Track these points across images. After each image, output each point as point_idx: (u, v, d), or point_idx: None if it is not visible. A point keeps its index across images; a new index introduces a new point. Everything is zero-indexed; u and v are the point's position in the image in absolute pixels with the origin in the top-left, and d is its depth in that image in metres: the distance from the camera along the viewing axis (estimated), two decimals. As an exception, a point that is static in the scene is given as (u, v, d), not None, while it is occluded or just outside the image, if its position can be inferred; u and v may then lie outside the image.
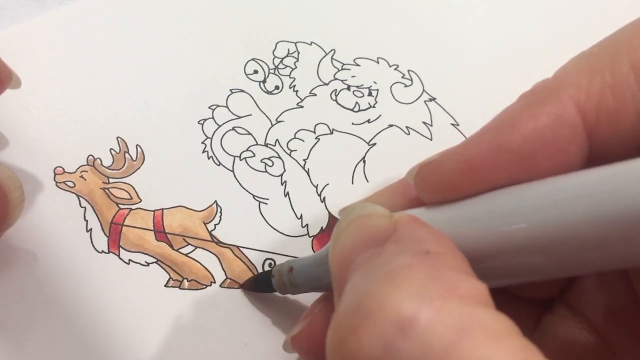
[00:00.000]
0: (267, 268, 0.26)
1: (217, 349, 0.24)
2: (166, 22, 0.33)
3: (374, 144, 0.29)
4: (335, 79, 0.31)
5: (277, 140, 0.29)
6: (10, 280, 0.25)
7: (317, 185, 0.28)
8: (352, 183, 0.28)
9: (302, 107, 0.30)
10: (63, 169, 0.28)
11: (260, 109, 0.30)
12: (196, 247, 0.26)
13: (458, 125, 0.30)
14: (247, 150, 0.29)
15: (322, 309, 0.21)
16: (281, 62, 0.32)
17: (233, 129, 0.29)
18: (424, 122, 0.30)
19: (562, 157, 0.16)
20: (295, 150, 0.29)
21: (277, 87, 0.31)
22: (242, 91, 0.31)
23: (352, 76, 0.31)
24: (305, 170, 0.29)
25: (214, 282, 0.26)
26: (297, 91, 0.31)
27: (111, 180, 0.28)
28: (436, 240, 0.16)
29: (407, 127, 0.30)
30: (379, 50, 0.32)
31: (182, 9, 0.33)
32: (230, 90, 0.31)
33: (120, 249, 0.26)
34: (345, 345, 0.14)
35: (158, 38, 0.32)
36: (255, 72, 0.31)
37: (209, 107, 0.30)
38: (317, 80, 0.31)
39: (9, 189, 0.23)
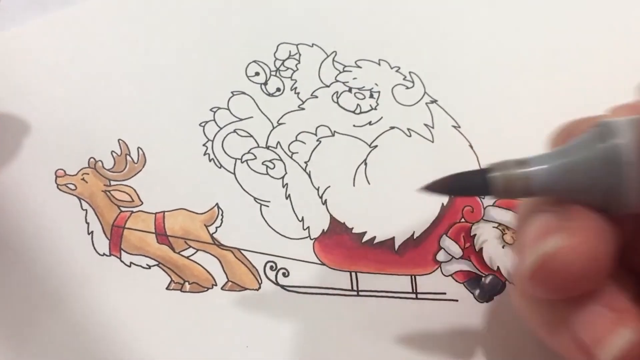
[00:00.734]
0: (268, 271, 0.26)
1: (218, 352, 0.24)
2: (167, 25, 0.33)
3: (376, 146, 0.29)
4: (337, 81, 0.31)
5: (278, 142, 0.29)
6: (11, 283, 0.25)
7: (319, 187, 0.28)
8: (354, 185, 0.28)
9: (303, 109, 0.30)
10: (64, 171, 0.28)
11: (261, 111, 0.30)
12: (197, 250, 0.26)
13: (459, 127, 0.30)
14: (248, 152, 0.29)
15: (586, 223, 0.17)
16: (282, 64, 0.32)
17: (234, 131, 0.29)
18: (426, 124, 0.30)
19: None
20: (297, 153, 0.29)
21: (278, 89, 0.31)
22: (244, 93, 0.31)
23: (354, 78, 0.31)
24: (307, 173, 0.29)
25: (216, 285, 0.26)
26: (298, 93, 0.31)
27: (112, 182, 0.28)
28: None
29: (408, 129, 0.30)
30: (380, 52, 0.32)
31: (184, 12, 0.33)
32: (232, 92, 0.31)
33: (122, 251, 0.26)
34: None
35: (159, 40, 0.32)
36: (257, 74, 0.31)
37: (210, 110, 0.30)
38: (318, 82, 0.31)
39: None
